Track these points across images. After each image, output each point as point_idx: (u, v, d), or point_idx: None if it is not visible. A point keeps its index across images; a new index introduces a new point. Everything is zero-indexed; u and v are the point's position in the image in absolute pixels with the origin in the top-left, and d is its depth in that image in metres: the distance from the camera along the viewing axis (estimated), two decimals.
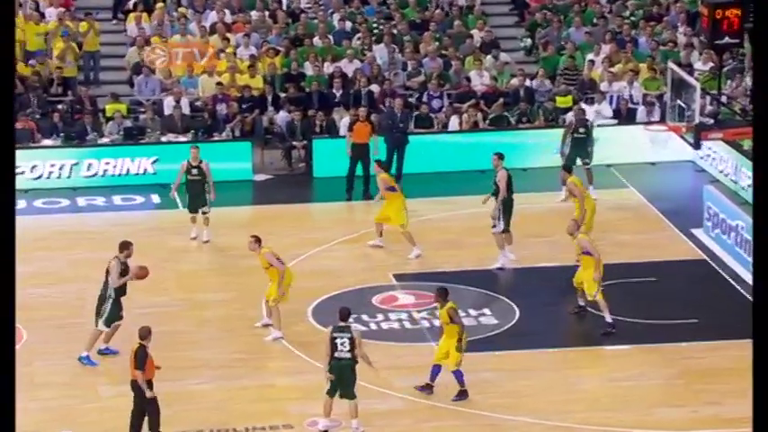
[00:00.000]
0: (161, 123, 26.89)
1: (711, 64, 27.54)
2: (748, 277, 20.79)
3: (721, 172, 25.79)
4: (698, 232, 22.89)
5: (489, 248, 22.15)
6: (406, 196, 24.71)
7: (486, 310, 19.51)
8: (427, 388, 17.05)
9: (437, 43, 29.51)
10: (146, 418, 15.53)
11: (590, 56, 28.95)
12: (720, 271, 21.31)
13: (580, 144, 24.74)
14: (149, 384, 15.45)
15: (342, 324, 16.18)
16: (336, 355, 16.02)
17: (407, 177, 25.59)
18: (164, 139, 26.60)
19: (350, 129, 25.09)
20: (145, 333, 15.62)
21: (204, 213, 22.46)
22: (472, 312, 19.38)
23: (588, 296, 18.88)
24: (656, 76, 28.03)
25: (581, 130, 24.82)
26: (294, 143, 27.04)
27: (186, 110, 27.31)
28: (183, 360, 18.21)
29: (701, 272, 21.43)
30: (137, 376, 15.37)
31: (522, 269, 21.36)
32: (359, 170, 24.89)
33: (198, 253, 22.20)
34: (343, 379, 16.00)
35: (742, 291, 20.43)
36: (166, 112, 27.24)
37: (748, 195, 24.28)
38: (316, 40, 29.52)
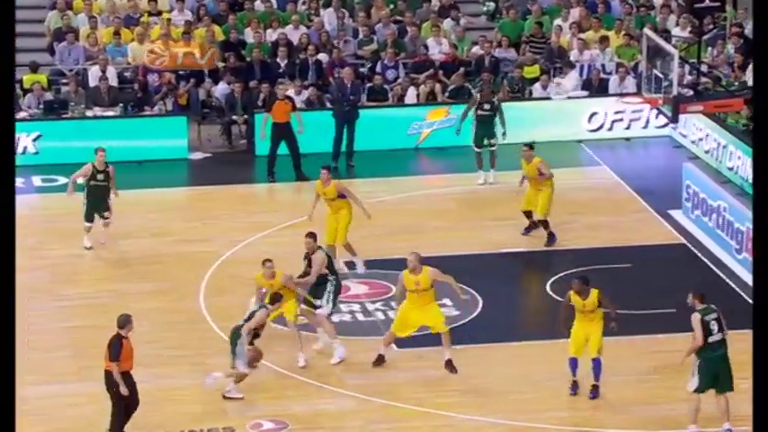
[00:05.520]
0: (86, 96, 26.71)
1: (690, 30, 27.75)
2: (730, 262, 21.00)
3: (696, 143, 26.05)
4: (676, 214, 23.07)
5: (449, 233, 22.23)
6: (356, 176, 24.79)
7: (447, 301, 19.55)
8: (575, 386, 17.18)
9: (391, 7, 29.50)
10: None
11: (558, 21, 29.05)
12: (701, 256, 21.50)
13: (486, 122, 24.42)
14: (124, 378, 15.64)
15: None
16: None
17: (359, 155, 25.63)
18: (89, 113, 26.42)
19: (269, 109, 24.87)
20: (123, 322, 15.76)
21: (106, 219, 21.60)
22: None
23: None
24: (631, 44, 28.18)
25: (485, 106, 24.52)
26: (234, 118, 26.96)
27: (114, 81, 27.14)
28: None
29: (679, 257, 21.60)
30: (111, 368, 15.51)
31: (486, 255, 21.44)
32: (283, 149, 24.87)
33: (128, 239, 22.07)
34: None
35: (724, 277, 20.63)
36: (92, 83, 27.06)
37: (731, 174, 24.51)
38: (257, 3, 29.42)
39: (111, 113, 26.44)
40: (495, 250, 21.70)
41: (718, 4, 22.56)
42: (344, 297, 19.94)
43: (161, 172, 25.39)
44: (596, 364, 17.05)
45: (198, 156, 26.55)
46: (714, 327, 15.81)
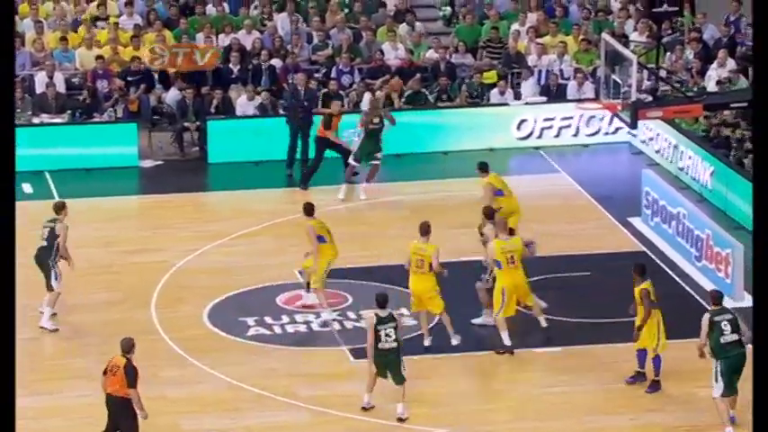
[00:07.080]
0: (32, 103, 26.50)
1: (648, 35, 27.90)
2: (691, 270, 21.10)
3: (647, 142, 26.22)
4: (635, 221, 23.15)
5: (406, 241, 22.15)
6: (311, 184, 24.73)
7: (404, 310, 19.52)
8: (639, 376, 17.41)
9: (346, 11, 29.47)
10: None
11: (515, 26, 29.12)
12: (661, 263, 21.58)
13: (375, 136, 24.33)
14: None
15: (382, 314, 16.80)
16: (380, 346, 16.63)
17: None
18: (36, 120, 26.22)
19: (329, 126, 24.59)
20: (129, 346, 15.41)
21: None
22: None
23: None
24: (589, 49, 28.29)
25: (375, 120, 24.45)
26: (186, 124, 26.84)
27: (61, 87, 26.95)
28: (58, 370, 18.05)
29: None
30: (131, 395, 15.19)
31: (444, 264, 21.37)
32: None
33: (78, 249, 21.83)
34: (390, 366, 16.78)
35: (684, 285, 20.71)
36: (38, 89, 26.86)
37: (689, 180, 24.65)
38: (209, 8, 29.31)
39: (58, 120, 26.24)
40: (453, 259, 21.66)
41: (676, 8, 22.65)
42: (299, 307, 19.89)
43: (111, 180, 25.22)
44: (654, 361, 17.26)
45: (149, 163, 26.40)
46: (726, 328, 15.97)
